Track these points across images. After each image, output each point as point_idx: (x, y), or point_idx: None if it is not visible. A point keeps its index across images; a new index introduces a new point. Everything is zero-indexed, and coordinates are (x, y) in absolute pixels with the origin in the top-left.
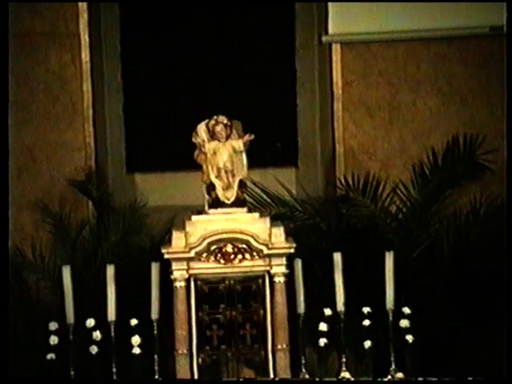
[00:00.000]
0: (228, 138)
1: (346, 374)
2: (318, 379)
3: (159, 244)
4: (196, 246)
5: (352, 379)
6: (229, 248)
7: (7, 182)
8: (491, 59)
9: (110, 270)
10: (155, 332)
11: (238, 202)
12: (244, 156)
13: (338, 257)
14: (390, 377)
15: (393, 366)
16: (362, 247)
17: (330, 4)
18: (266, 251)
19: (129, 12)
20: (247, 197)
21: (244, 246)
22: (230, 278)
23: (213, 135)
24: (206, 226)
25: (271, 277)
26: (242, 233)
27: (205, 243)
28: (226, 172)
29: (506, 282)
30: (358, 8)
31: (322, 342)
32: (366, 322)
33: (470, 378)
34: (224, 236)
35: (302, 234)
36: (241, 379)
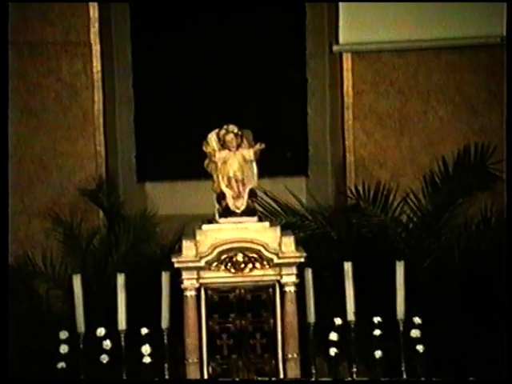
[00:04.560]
0: (238, 147)
1: None
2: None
3: (169, 253)
4: (206, 255)
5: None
6: (239, 257)
7: (7, 189)
8: (502, 68)
9: (121, 279)
10: (165, 341)
11: (249, 211)
12: (254, 165)
13: (348, 266)
14: None
15: (403, 376)
16: (372, 256)
17: (340, 13)
18: (276, 260)
19: (140, 21)
20: (257, 206)
21: (254, 255)
22: (241, 287)
23: (223, 144)
24: (216, 235)
25: (281, 286)
26: (252, 242)
27: (215, 252)
28: (236, 181)
29: None
30: (369, 17)
31: (333, 351)
32: (377, 332)
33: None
34: (234, 245)
35: (313, 244)
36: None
